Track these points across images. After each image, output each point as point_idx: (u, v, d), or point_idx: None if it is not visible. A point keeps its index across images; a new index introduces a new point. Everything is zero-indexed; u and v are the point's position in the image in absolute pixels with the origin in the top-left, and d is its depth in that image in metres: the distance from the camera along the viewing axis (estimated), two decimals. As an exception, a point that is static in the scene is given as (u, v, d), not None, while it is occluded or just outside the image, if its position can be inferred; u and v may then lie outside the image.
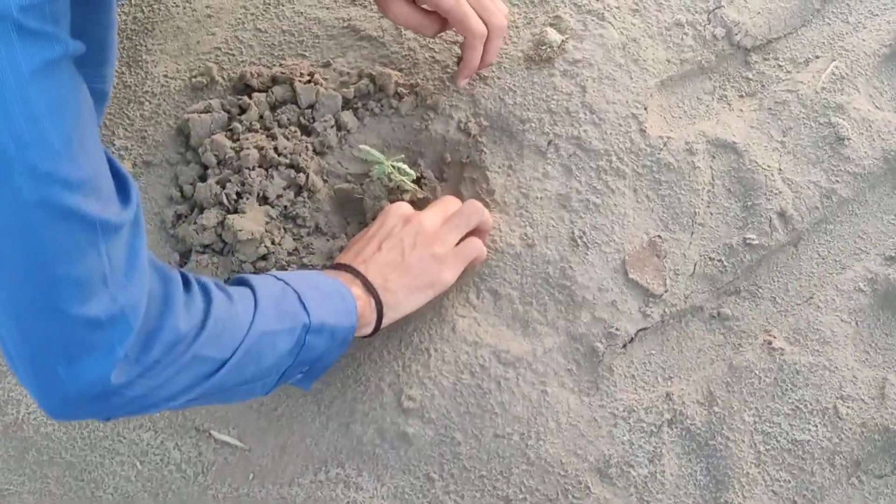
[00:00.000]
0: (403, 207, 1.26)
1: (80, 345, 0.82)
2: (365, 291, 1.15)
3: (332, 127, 1.32)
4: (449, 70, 1.41)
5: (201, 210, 1.28)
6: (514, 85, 1.42)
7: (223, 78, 1.43)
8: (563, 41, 1.44)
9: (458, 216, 1.26)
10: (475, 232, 1.27)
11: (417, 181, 1.34)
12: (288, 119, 1.32)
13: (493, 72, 1.43)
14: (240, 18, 1.51)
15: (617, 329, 1.30)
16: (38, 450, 1.25)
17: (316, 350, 1.09)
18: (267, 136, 1.30)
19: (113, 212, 0.83)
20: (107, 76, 1.08)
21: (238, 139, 1.30)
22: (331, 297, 1.11)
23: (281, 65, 1.40)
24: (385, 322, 1.18)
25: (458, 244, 1.25)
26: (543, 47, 1.42)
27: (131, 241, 0.87)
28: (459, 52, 1.39)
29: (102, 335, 0.83)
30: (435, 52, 1.47)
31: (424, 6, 1.24)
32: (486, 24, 1.27)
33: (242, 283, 1.08)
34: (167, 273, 0.92)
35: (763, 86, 1.48)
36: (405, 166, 1.31)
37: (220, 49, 1.48)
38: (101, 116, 1.06)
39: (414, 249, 1.22)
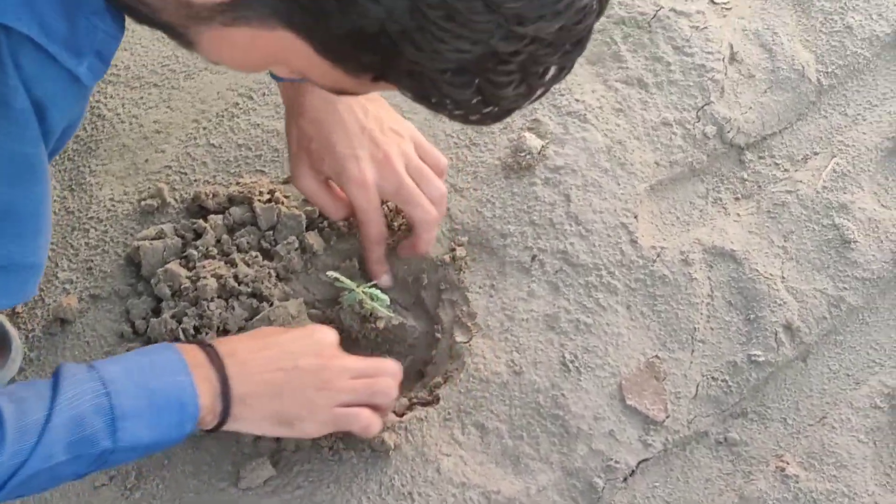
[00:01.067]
0: (330, 337, 1.20)
1: None
2: (216, 398, 1.10)
3: (295, 250, 1.29)
4: None
5: None
6: (493, 196, 1.40)
7: (175, 199, 1.39)
8: (543, 146, 1.40)
9: (369, 384, 1.21)
10: (376, 406, 1.22)
11: (392, 306, 1.29)
12: (248, 243, 1.29)
13: (468, 182, 1.43)
14: (191, 133, 1.50)
15: (616, 461, 1.23)
16: None
17: (125, 459, 1.07)
18: (226, 263, 1.27)
19: None
20: (41, 246, 1.03)
21: (194, 267, 1.27)
22: (163, 410, 1.06)
23: (238, 183, 1.37)
24: (223, 429, 1.14)
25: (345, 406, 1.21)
26: (522, 154, 1.39)
27: None
28: None
29: None
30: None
31: (334, 185, 1.27)
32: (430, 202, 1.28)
33: (56, 374, 1.03)
34: None
35: (760, 186, 1.46)
36: (378, 292, 1.26)
37: (170, 167, 1.46)
38: (34, 289, 1.02)
39: (301, 381, 1.17)
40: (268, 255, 1.32)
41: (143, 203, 1.40)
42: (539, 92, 0.82)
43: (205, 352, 1.13)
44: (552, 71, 0.81)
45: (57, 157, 1.13)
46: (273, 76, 1.26)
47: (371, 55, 0.78)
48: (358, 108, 1.28)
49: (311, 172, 1.27)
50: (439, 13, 0.72)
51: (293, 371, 1.16)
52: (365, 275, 1.34)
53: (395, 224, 1.36)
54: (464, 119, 0.83)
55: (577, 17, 0.75)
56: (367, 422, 1.19)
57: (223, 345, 1.16)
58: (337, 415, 1.18)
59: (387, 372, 1.22)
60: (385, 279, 1.33)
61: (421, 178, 1.29)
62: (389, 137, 1.29)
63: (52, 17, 0.82)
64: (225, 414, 1.11)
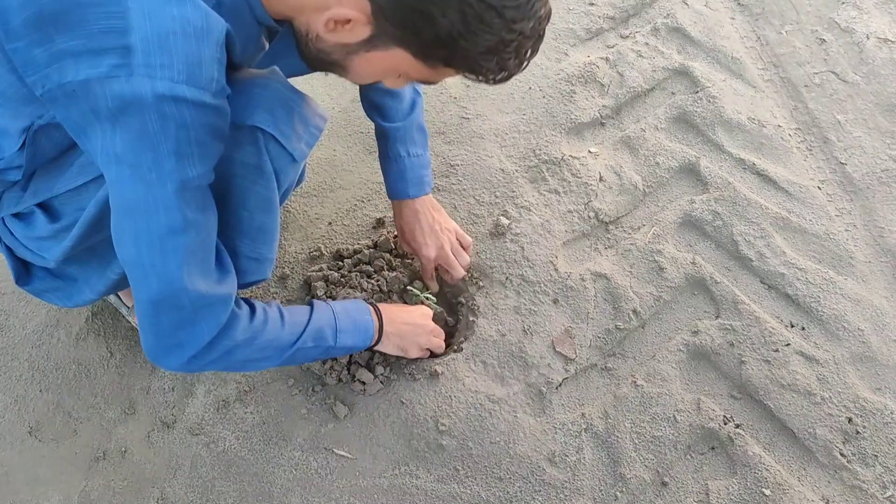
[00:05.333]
0: (428, 312, 1.26)
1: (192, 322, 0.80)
2: (377, 332, 1.13)
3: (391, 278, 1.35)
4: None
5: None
6: (485, 248, 1.45)
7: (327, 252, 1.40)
8: (509, 223, 1.46)
9: (438, 344, 1.24)
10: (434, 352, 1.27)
11: (438, 304, 1.38)
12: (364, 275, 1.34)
13: (473, 241, 1.43)
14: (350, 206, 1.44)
15: (551, 379, 1.30)
16: (237, 465, 1.22)
17: (337, 353, 1.07)
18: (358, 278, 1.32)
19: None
20: (275, 247, 0.96)
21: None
22: (359, 333, 1.08)
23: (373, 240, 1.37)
24: (375, 348, 1.15)
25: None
26: (499, 227, 1.47)
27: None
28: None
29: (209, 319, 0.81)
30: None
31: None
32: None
33: (311, 305, 1.03)
34: (241, 301, 0.90)
35: (617, 242, 1.50)
36: (431, 296, 1.36)
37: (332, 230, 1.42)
38: (268, 274, 0.96)
39: (413, 331, 1.20)
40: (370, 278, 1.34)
41: (311, 252, 1.41)
42: (525, 65, 0.78)
43: (374, 308, 1.17)
44: (529, 53, 0.78)
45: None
46: (390, 196, 1.24)
47: (444, 50, 0.74)
48: (428, 214, 1.27)
49: (406, 243, 1.30)
50: (476, 20, 0.69)
51: (411, 325, 1.21)
52: (423, 288, 1.37)
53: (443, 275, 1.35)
54: (490, 81, 0.78)
55: (540, 20, 0.74)
56: (432, 353, 1.27)
57: (383, 308, 1.18)
58: (423, 351, 1.25)
59: (442, 337, 1.28)
60: (433, 285, 1.36)
61: (458, 253, 1.32)
62: (444, 233, 1.29)
63: (283, 123, 0.83)
64: (377, 341, 1.16)
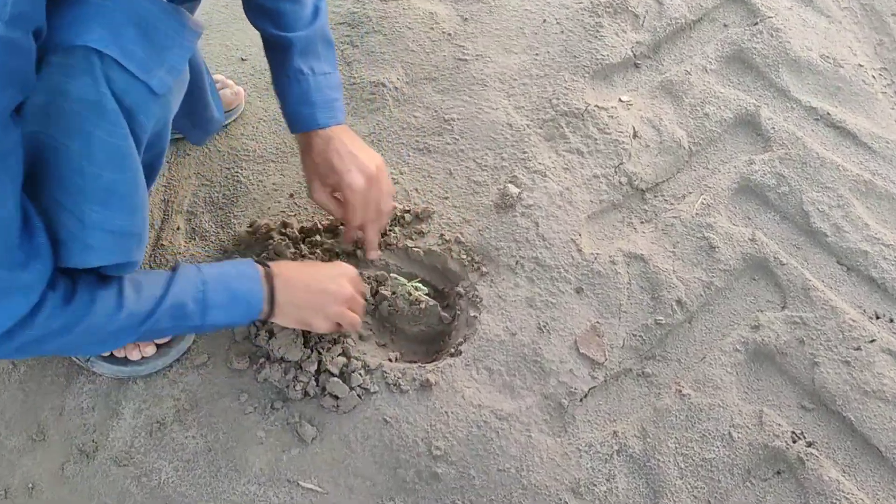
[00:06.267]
0: (351, 272, 1.21)
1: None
2: (267, 303, 1.11)
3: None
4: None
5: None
6: (489, 225, 1.43)
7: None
8: (519, 192, 1.44)
9: (353, 320, 1.20)
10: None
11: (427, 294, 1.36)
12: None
13: (474, 216, 1.43)
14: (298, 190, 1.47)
15: (575, 388, 1.27)
16: (177, 503, 1.19)
17: (207, 331, 1.07)
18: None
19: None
20: (140, 221, 0.94)
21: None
22: (237, 306, 1.06)
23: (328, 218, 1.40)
24: (270, 320, 1.13)
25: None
26: (507, 197, 1.44)
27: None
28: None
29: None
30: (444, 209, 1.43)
31: (337, 196, 1.24)
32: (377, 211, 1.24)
33: (174, 270, 1.01)
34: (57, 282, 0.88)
35: (656, 214, 1.50)
36: (421, 286, 1.33)
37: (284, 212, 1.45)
38: (140, 256, 0.95)
39: (320, 301, 1.15)
40: None
41: (266, 231, 1.38)
42: None
43: (266, 270, 1.12)
44: None
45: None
46: (291, 130, 1.23)
47: None
48: (347, 141, 1.22)
49: (322, 187, 1.24)
50: None
51: (317, 293, 1.16)
52: (413, 277, 1.35)
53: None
54: None
55: None
56: (342, 329, 1.21)
57: (280, 268, 1.14)
58: (333, 324, 1.19)
59: (360, 310, 1.22)
60: (374, 254, 1.31)
61: (381, 195, 1.25)
62: (369, 157, 1.24)
63: (131, 43, 0.79)
64: (270, 313, 1.12)
